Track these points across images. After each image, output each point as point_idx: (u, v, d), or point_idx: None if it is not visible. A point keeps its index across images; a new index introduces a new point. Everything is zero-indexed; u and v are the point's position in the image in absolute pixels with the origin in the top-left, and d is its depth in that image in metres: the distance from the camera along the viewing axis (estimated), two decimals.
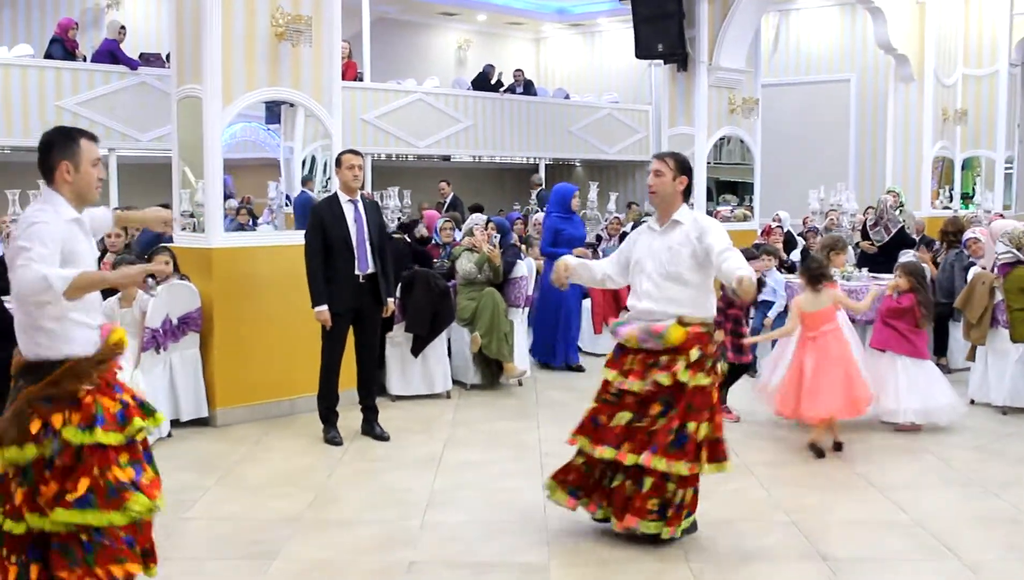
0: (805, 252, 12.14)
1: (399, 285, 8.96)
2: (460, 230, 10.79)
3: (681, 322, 5.36)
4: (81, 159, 4.16)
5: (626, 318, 5.67)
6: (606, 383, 5.55)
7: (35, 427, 3.98)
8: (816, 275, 7.70)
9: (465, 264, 9.62)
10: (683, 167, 5.60)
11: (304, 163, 9.20)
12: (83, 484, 3.99)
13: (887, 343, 8.02)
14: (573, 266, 5.76)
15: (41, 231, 3.96)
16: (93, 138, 4.27)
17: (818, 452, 7.31)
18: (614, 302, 11.02)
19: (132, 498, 4.05)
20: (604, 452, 5.40)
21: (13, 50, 14.21)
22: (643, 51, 13.05)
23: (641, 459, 5.28)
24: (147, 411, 4.34)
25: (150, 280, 3.82)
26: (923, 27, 15.74)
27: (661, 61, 13.30)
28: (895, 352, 7.97)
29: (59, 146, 4.17)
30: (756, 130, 13.42)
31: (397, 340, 9.07)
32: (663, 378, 5.31)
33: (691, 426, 5.27)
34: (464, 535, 5.65)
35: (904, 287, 8.02)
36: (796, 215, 15.34)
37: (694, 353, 5.33)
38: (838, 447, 7.41)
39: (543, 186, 18.06)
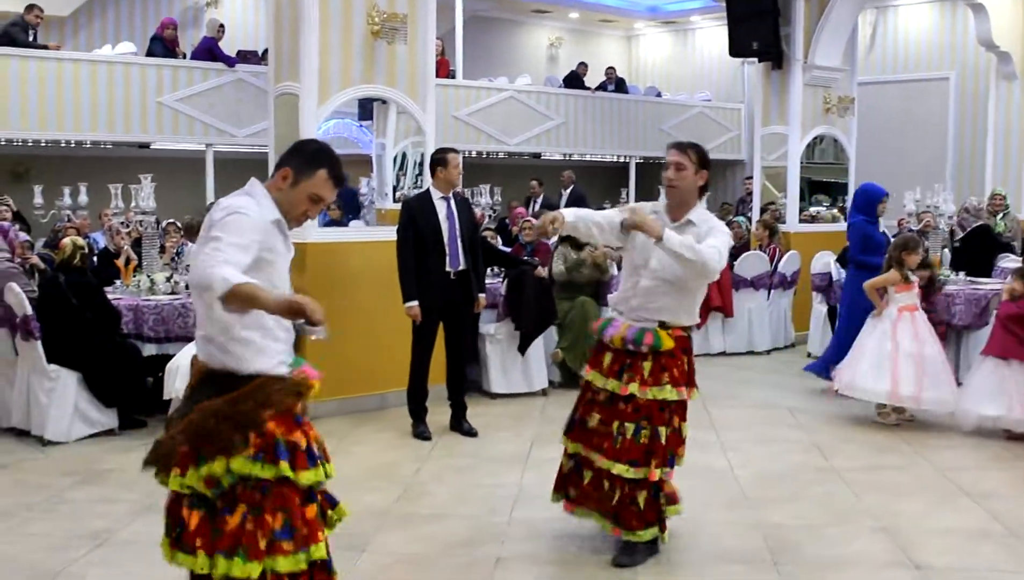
0: None
1: (505, 283, 9.02)
2: None
3: (663, 326, 5.13)
4: (306, 183, 3.70)
5: (613, 316, 5.39)
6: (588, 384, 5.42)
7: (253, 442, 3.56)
8: None
9: (558, 265, 9.61)
10: (704, 160, 5.15)
11: (395, 159, 9.31)
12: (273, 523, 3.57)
13: (1010, 351, 7.66)
14: (570, 220, 5.09)
15: (240, 222, 3.49)
16: (339, 180, 3.78)
17: None
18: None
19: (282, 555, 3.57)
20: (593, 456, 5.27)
21: (117, 48, 14.59)
22: (737, 49, 12.93)
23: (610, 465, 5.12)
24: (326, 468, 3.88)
25: (307, 325, 3.42)
26: None
27: (755, 59, 13.18)
28: (1019, 360, 7.61)
29: (301, 157, 3.75)
30: (851, 129, 13.21)
31: (498, 338, 9.10)
32: (635, 389, 5.09)
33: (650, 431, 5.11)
34: (551, 532, 5.67)
35: (1019, 291, 7.77)
36: (891, 217, 15.04)
37: (674, 370, 5.10)
38: None
39: (575, 182, 17.36)
